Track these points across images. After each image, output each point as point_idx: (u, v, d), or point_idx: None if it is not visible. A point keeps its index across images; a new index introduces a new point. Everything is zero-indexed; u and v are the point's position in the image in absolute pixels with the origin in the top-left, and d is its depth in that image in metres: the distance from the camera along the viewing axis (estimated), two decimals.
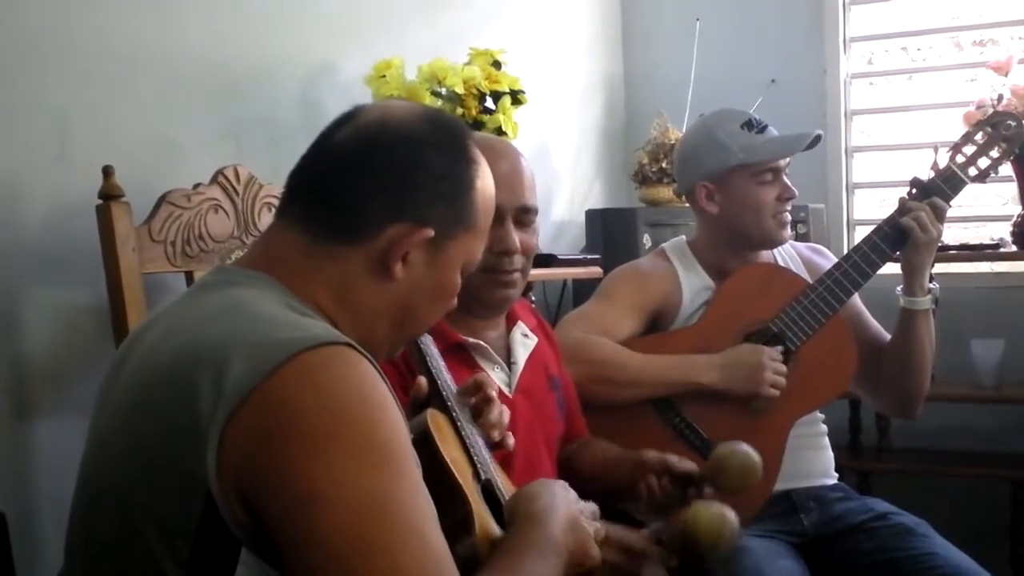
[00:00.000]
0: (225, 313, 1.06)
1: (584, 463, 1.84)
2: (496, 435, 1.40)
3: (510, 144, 1.75)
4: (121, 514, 1.02)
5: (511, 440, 1.44)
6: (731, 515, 1.46)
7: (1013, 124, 2.14)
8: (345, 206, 1.13)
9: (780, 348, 2.06)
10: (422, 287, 1.16)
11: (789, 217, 2.18)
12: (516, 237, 1.66)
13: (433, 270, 1.16)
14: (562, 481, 1.32)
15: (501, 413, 1.43)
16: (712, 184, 2.16)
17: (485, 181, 1.20)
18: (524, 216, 1.68)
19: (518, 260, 1.68)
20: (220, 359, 0.98)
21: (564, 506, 1.23)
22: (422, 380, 1.40)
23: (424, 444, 1.21)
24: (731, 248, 2.19)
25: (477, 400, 1.42)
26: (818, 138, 2.15)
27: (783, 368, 2.04)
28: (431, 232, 1.13)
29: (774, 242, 2.19)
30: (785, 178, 2.16)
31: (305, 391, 0.97)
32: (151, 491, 1.00)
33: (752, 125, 2.15)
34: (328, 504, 0.93)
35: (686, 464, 1.70)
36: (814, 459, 2.18)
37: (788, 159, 2.16)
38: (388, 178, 1.13)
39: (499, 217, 1.61)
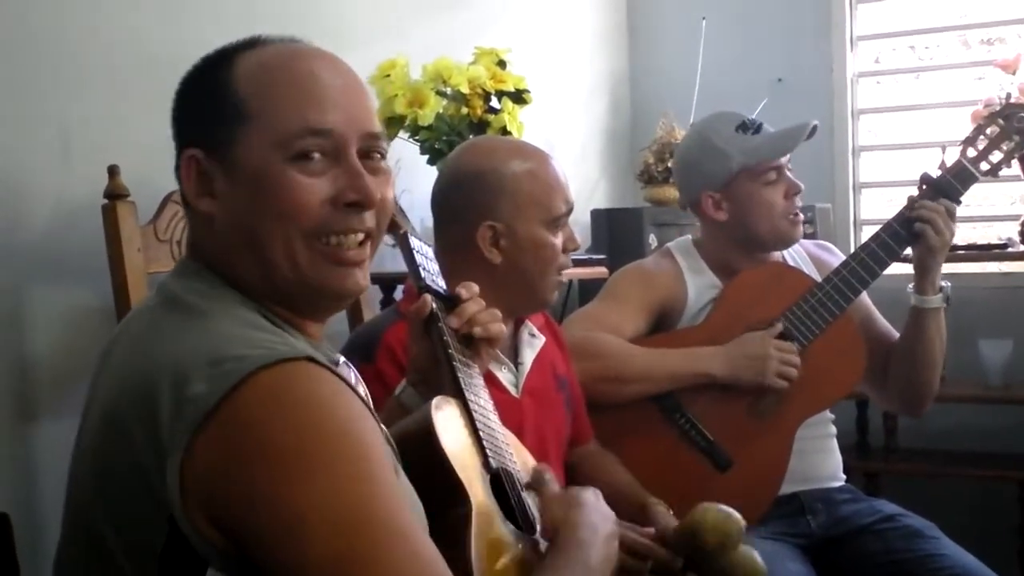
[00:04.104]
0: (181, 327, 1.03)
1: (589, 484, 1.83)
2: (455, 322, 1.34)
3: (540, 148, 1.77)
4: (92, 533, 1.01)
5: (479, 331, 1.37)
6: (736, 515, 1.46)
7: None
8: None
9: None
10: (239, 201, 1.06)
11: (801, 215, 2.15)
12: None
13: (239, 180, 1.06)
14: (595, 493, 1.29)
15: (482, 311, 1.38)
16: (717, 192, 2.13)
17: (248, 66, 1.09)
18: (569, 216, 1.74)
19: None
20: (178, 379, 0.95)
21: (603, 536, 1.22)
22: (426, 297, 1.34)
23: (426, 436, 1.19)
24: (741, 250, 2.17)
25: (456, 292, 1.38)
26: (815, 128, 2.13)
27: (794, 359, 2.00)
28: (195, 151, 1.07)
29: (788, 242, 2.17)
30: (789, 173, 2.14)
31: (268, 410, 0.94)
32: (118, 513, 0.99)
33: (747, 126, 2.12)
34: (312, 525, 0.92)
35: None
36: (822, 461, 2.16)
37: (789, 155, 2.14)
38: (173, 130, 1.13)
39: (567, 219, 1.72)
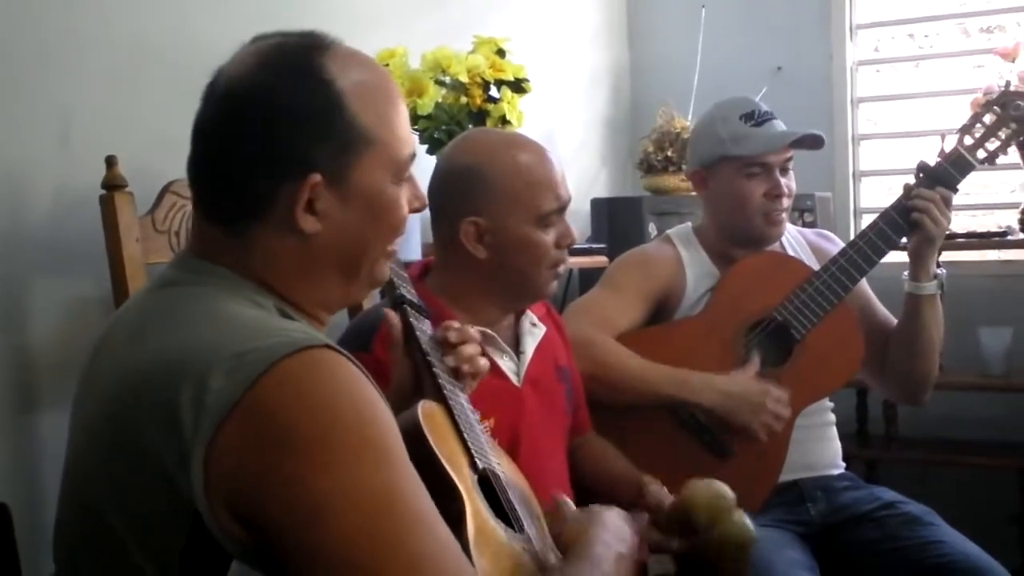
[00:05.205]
0: (199, 318, 1.03)
1: (587, 471, 1.85)
2: (458, 364, 1.39)
3: (536, 143, 1.75)
4: (104, 528, 1.00)
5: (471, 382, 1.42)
6: (726, 489, 1.46)
7: (1023, 104, 2.11)
8: (232, 187, 1.10)
9: (787, 395, 2.01)
10: (351, 222, 1.10)
11: (783, 216, 2.14)
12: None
13: (353, 202, 1.10)
14: (618, 513, 1.34)
15: (475, 355, 1.41)
16: (704, 171, 2.17)
17: (355, 88, 1.10)
18: (564, 211, 1.72)
19: None
20: (201, 372, 0.96)
21: (615, 554, 1.26)
22: (390, 314, 1.37)
23: (414, 437, 1.20)
24: (729, 238, 2.18)
25: (443, 337, 1.40)
26: (813, 137, 2.12)
27: (785, 413, 2.00)
28: (317, 176, 1.06)
29: (762, 240, 2.16)
30: (779, 175, 2.11)
31: (291, 399, 0.95)
32: (134, 509, 0.98)
33: (752, 116, 2.12)
34: (334, 511, 0.93)
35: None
36: (822, 449, 2.17)
37: (787, 155, 2.13)
38: (253, 145, 1.08)
39: (560, 215, 1.69)
